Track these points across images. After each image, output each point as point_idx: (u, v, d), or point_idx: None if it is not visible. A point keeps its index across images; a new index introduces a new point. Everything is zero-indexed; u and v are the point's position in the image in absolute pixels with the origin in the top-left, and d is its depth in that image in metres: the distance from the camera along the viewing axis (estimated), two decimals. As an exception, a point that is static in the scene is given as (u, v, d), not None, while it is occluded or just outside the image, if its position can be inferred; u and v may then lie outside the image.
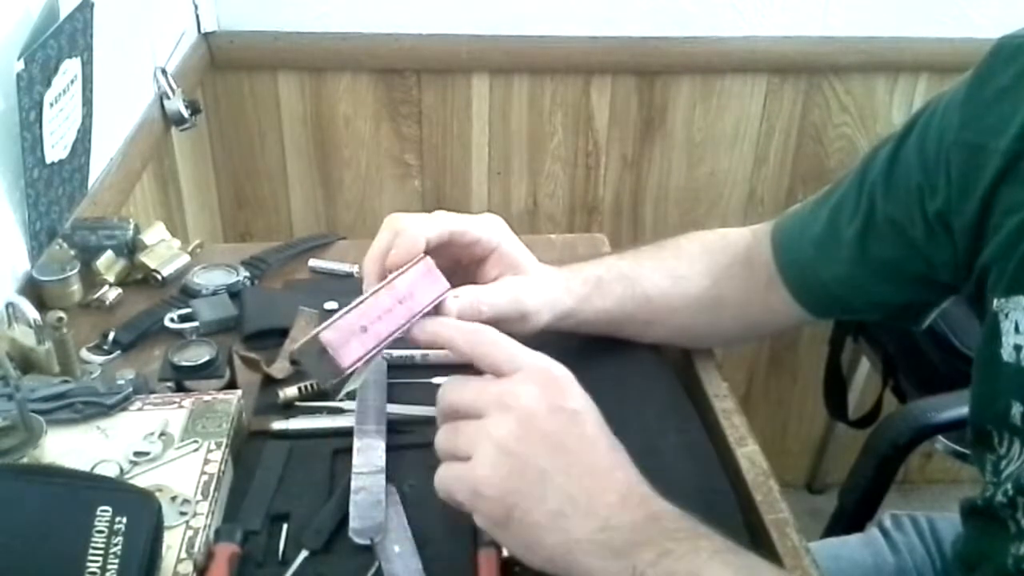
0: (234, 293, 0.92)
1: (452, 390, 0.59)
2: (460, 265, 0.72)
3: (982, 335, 0.67)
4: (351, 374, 0.58)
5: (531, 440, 0.54)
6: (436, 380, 0.81)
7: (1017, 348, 0.63)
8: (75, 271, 0.92)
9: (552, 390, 0.56)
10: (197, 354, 0.78)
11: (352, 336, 0.58)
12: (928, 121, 0.70)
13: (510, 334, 0.73)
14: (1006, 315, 0.64)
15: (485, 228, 0.72)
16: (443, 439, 0.58)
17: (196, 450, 0.69)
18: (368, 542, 0.65)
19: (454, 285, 0.66)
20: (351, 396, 0.67)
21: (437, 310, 0.64)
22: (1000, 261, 0.64)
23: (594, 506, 0.54)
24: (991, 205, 0.65)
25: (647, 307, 0.81)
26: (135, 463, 0.67)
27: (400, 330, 0.61)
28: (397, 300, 0.61)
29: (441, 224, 0.69)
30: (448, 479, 0.57)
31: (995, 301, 0.65)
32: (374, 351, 0.59)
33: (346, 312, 0.58)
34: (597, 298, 0.79)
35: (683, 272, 0.82)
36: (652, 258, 0.84)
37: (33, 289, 0.90)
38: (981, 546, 0.73)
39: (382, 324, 0.59)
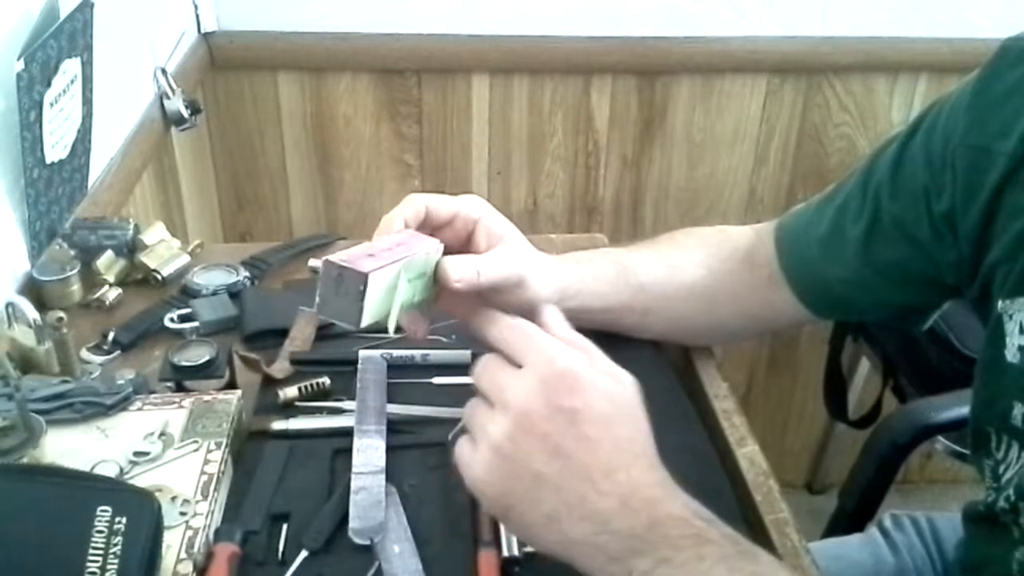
0: (234, 293, 0.92)
1: (478, 366, 0.58)
2: (450, 249, 0.72)
3: (986, 337, 0.67)
4: (366, 292, 0.58)
5: (526, 443, 0.53)
6: (436, 380, 0.81)
7: (1021, 349, 0.63)
8: (75, 271, 0.92)
9: (554, 388, 0.54)
10: (197, 354, 0.78)
11: (361, 257, 0.59)
12: (933, 122, 0.70)
13: (510, 304, 0.74)
14: (1011, 317, 0.64)
15: (462, 202, 0.72)
16: (466, 413, 0.58)
17: (196, 450, 0.69)
18: (368, 542, 0.65)
19: None
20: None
21: (435, 274, 0.65)
22: (1006, 263, 0.64)
23: (589, 510, 0.53)
24: (997, 208, 0.64)
25: (642, 295, 0.81)
26: (135, 463, 0.67)
27: (405, 259, 0.62)
28: (393, 244, 0.63)
29: (415, 202, 0.69)
30: (460, 461, 0.56)
31: (1000, 303, 0.65)
32: (387, 265, 0.60)
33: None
34: (592, 280, 0.79)
35: (678, 262, 0.83)
36: (647, 249, 0.84)
37: (33, 289, 0.90)
38: (984, 551, 0.73)
39: (386, 254, 0.61)
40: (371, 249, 0.61)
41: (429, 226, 0.70)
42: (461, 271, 0.66)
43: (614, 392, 0.56)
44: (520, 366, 0.56)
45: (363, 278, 0.57)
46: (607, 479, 0.53)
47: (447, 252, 0.69)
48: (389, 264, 0.60)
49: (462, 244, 0.72)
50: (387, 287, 0.60)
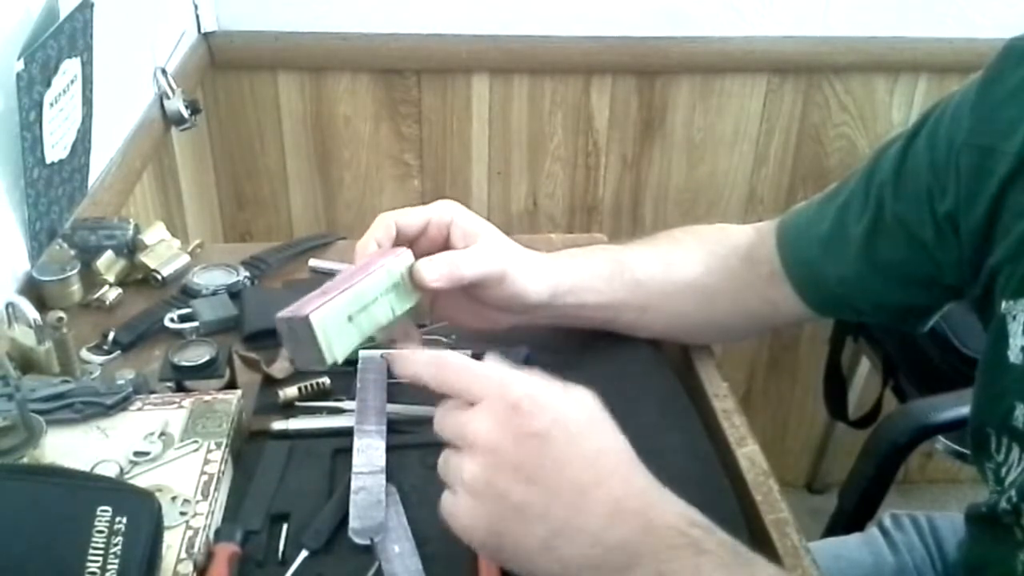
0: (234, 293, 0.92)
1: (436, 419, 0.57)
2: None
3: (988, 337, 0.67)
4: (316, 334, 0.59)
5: (500, 478, 0.53)
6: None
7: None
8: (75, 271, 0.91)
9: (513, 418, 0.53)
10: (197, 354, 0.78)
11: (310, 301, 0.60)
12: (937, 122, 0.70)
13: (497, 299, 0.74)
14: (1014, 317, 0.64)
15: (432, 209, 0.73)
16: (439, 466, 0.57)
17: (196, 450, 0.69)
18: (368, 542, 0.65)
19: None
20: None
21: (412, 279, 0.65)
22: (1009, 264, 0.64)
23: (580, 527, 0.52)
24: (1000, 208, 0.64)
25: (640, 292, 0.81)
26: (135, 463, 0.67)
27: (359, 282, 0.62)
28: (354, 270, 0.64)
29: (384, 221, 0.70)
30: (446, 514, 0.56)
31: (1003, 303, 0.65)
32: (332, 297, 0.60)
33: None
34: (588, 276, 0.79)
35: (676, 259, 0.83)
36: (644, 246, 0.85)
37: (33, 289, 0.90)
38: (986, 552, 0.73)
39: (339, 285, 0.62)
40: (326, 287, 0.62)
41: (404, 240, 0.70)
42: (436, 270, 0.66)
43: (574, 409, 0.55)
44: (473, 403, 0.54)
45: (305, 321, 0.58)
46: (585, 496, 0.52)
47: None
48: (335, 296, 0.60)
49: (440, 249, 0.72)
50: (344, 317, 0.60)
